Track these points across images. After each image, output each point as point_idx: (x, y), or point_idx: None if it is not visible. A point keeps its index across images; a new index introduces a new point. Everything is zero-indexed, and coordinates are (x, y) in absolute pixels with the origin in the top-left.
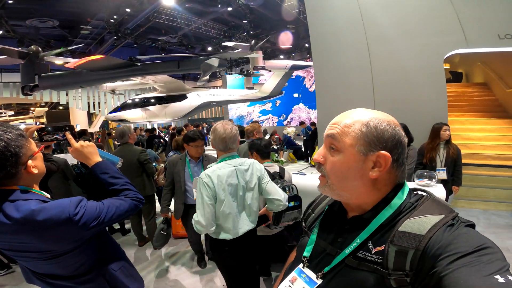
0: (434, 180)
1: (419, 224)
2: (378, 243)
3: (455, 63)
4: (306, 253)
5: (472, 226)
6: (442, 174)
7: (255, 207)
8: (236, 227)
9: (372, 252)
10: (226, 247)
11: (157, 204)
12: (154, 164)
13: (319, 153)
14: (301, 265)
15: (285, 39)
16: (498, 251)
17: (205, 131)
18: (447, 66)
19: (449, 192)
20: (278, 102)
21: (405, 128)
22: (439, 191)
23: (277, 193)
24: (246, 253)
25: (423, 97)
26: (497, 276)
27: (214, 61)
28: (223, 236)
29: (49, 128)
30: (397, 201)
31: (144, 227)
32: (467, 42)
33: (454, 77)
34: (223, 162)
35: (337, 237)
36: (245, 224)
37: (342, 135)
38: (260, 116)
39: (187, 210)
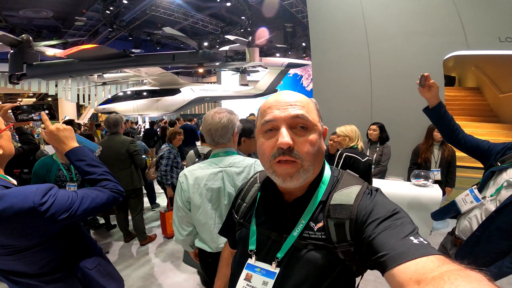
0: (430, 180)
1: (345, 195)
2: (318, 220)
3: (448, 67)
4: (251, 246)
5: (380, 191)
6: (436, 175)
7: None
8: (215, 240)
9: (315, 230)
10: (209, 259)
11: (145, 199)
12: (143, 156)
13: (287, 135)
14: (250, 260)
15: (261, 35)
16: (406, 215)
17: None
18: None
19: (442, 193)
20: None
21: (382, 127)
22: (435, 191)
23: None
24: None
25: (420, 97)
26: (412, 238)
27: None
28: (199, 245)
29: (25, 107)
30: (326, 176)
31: (130, 223)
32: (468, 44)
33: (447, 81)
34: (209, 160)
35: (280, 222)
36: None
37: (309, 113)
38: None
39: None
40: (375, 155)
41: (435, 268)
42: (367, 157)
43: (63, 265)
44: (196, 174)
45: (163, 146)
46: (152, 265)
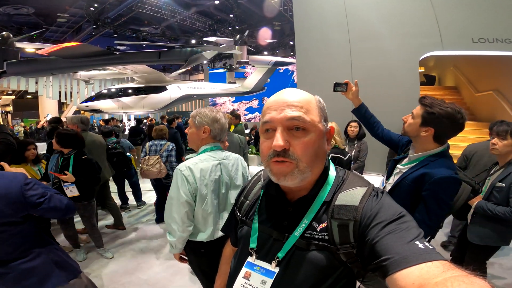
0: None
1: (351, 196)
2: (321, 220)
3: (429, 66)
4: (252, 244)
5: (386, 193)
6: None
7: None
8: (215, 228)
9: (318, 230)
10: (202, 249)
11: (131, 197)
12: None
13: (280, 138)
14: (250, 258)
15: (265, 35)
16: (411, 219)
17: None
18: (422, 70)
19: None
20: (265, 98)
21: (360, 124)
22: None
23: None
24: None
25: (397, 95)
26: (417, 242)
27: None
28: (200, 237)
29: None
30: (331, 176)
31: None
32: (443, 44)
33: (428, 80)
34: (205, 154)
35: (281, 221)
36: None
37: (308, 113)
38: (246, 114)
39: None
40: (354, 151)
41: (439, 273)
42: (348, 155)
43: (34, 246)
44: (200, 166)
45: (162, 143)
46: (135, 253)
